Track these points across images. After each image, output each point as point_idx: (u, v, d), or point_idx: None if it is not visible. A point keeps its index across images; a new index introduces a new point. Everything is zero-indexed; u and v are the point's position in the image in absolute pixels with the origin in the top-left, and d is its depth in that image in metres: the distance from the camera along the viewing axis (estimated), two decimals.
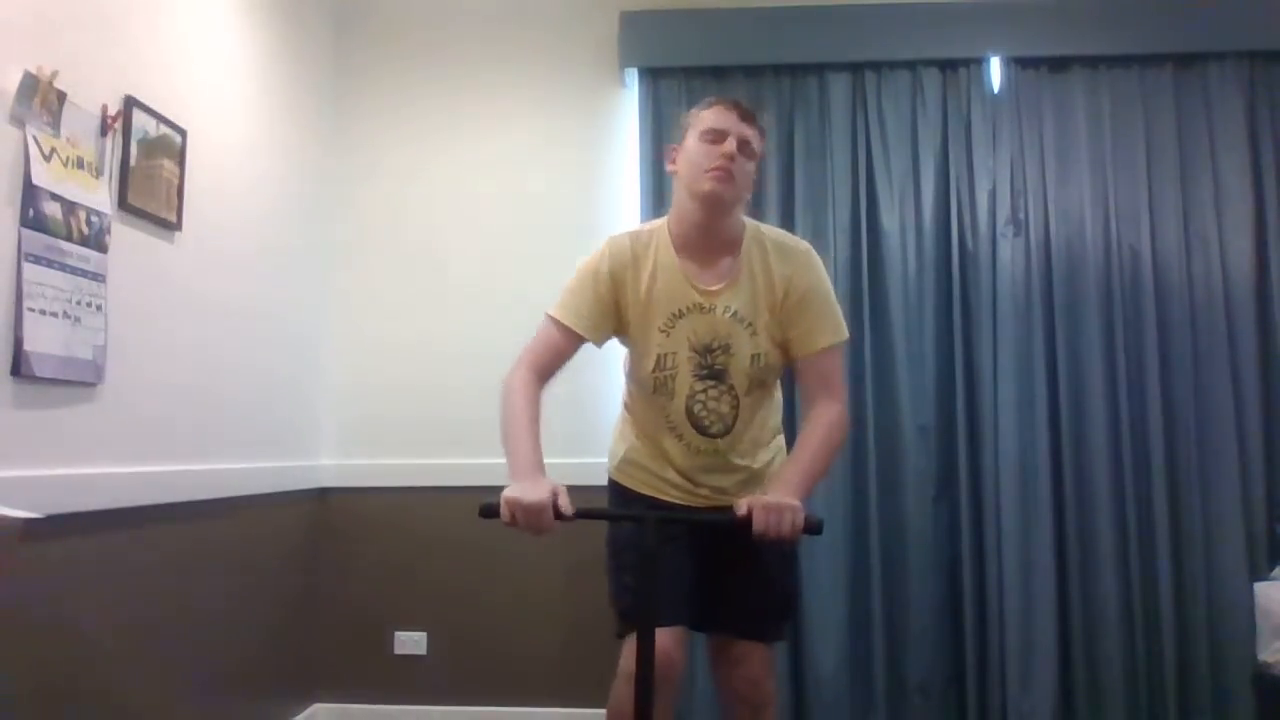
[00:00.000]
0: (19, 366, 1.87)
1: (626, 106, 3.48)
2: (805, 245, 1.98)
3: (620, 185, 3.46)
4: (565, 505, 1.61)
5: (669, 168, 1.98)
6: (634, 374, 2.02)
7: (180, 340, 2.49)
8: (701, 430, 1.93)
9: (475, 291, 3.43)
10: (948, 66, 3.39)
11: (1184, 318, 3.22)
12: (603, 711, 1.98)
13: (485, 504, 1.64)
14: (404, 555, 3.35)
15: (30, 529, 1.86)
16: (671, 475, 2.00)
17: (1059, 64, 3.37)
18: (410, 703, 3.29)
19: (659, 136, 3.37)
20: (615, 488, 2.12)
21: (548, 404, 1.88)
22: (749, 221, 1.97)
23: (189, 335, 2.53)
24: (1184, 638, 3.11)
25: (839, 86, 3.39)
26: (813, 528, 1.66)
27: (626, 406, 2.12)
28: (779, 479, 1.81)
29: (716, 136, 1.85)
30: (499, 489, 1.66)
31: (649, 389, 1.94)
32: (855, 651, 3.19)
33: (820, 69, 3.40)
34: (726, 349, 1.89)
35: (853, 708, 3.16)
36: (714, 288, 1.90)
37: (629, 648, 1.80)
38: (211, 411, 2.65)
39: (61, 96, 2.00)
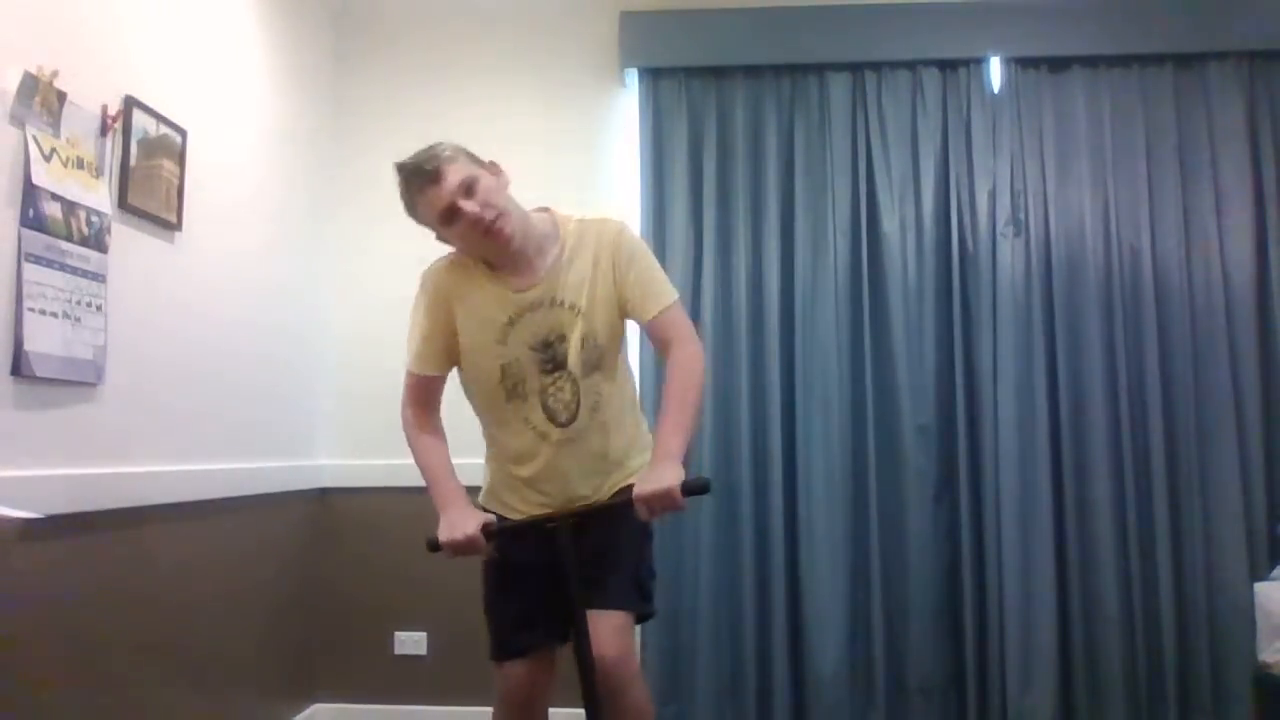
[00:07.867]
0: (19, 366, 1.87)
1: (626, 107, 3.48)
2: (616, 219, 2.01)
3: (620, 185, 3.46)
4: (490, 529, 1.81)
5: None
6: (478, 394, 2.01)
7: (180, 340, 2.49)
8: (555, 421, 1.94)
9: None
10: (948, 66, 3.39)
11: (1184, 318, 3.22)
12: None
13: (430, 539, 1.80)
14: (404, 555, 3.32)
15: (30, 529, 1.86)
16: (536, 496, 2.00)
17: (1059, 64, 3.37)
18: (410, 703, 3.29)
19: (659, 137, 3.38)
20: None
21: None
22: (559, 214, 1.98)
23: (189, 335, 2.53)
24: (1184, 638, 3.11)
25: (839, 86, 3.39)
26: (694, 490, 1.69)
27: (487, 437, 2.10)
28: (655, 448, 1.82)
29: (448, 216, 1.85)
30: None
31: (502, 399, 1.95)
32: (855, 652, 3.19)
33: (820, 69, 3.40)
34: (563, 338, 1.91)
35: (853, 708, 3.16)
36: (535, 285, 1.91)
37: (501, 674, 2.04)
38: (211, 411, 2.65)
39: (61, 96, 2.00)
